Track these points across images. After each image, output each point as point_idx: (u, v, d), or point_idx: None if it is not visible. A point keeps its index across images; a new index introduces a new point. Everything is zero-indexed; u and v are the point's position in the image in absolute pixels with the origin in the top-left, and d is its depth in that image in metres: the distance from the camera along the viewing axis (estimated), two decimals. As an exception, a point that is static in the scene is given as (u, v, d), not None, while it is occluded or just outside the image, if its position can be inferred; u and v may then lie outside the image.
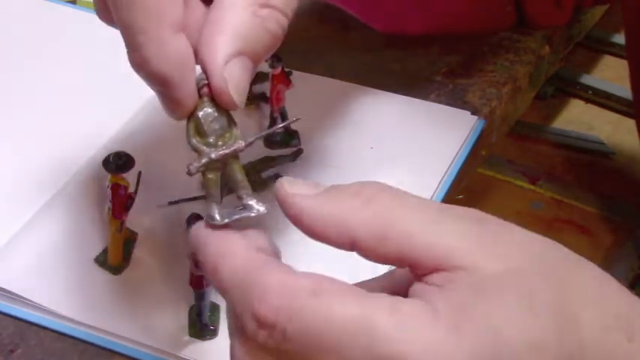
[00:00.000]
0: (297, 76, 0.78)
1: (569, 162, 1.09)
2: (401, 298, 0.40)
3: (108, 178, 0.63)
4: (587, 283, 0.42)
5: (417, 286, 0.41)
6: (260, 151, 0.74)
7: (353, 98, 0.79)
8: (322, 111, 0.78)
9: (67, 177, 0.71)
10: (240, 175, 0.47)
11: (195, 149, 0.46)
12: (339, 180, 0.71)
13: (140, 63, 0.46)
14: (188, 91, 0.47)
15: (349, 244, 0.43)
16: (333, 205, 0.43)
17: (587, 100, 1.16)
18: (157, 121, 0.75)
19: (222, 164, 0.46)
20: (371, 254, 0.42)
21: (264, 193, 0.70)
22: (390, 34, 0.85)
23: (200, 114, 0.46)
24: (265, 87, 0.77)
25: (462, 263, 0.40)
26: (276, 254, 0.46)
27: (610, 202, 1.04)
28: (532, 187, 1.05)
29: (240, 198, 0.47)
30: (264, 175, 0.71)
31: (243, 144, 0.47)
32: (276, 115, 0.74)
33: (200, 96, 0.46)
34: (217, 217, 0.46)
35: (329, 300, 0.40)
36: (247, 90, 0.48)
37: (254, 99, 0.78)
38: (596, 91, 1.15)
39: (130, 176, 0.63)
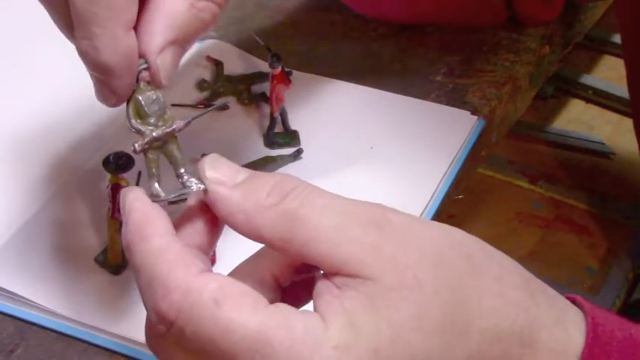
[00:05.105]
0: (297, 76, 0.78)
1: (569, 162, 1.09)
2: (298, 314, 0.42)
3: (108, 178, 0.63)
4: (484, 289, 0.44)
5: (321, 284, 0.44)
6: (260, 151, 0.74)
7: (353, 98, 0.79)
8: (322, 111, 0.78)
9: (66, 177, 0.71)
10: (178, 154, 0.49)
11: (137, 130, 0.48)
12: (339, 180, 0.72)
13: (88, 51, 0.49)
14: (128, 83, 0.50)
15: (257, 239, 0.45)
16: (244, 200, 0.44)
17: (587, 100, 1.15)
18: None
19: (162, 143, 0.48)
20: (277, 250, 0.45)
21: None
22: (372, 18, 0.85)
23: (140, 97, 0.48)
24: (265, 87, 0.77)
25: (358, 273, 0.42)
26: (201, 245, 0.47)
27: (610, 203, 1.03)
28: (532, 187, 1.05)
29: (179, 176, 0.49)
30: (264, 175, 0.71)
31: (182, 123, 0.49)
32: (276, 115, 0.74)
33: (138, 80, 0.48)
34: (161, 193, 0.48)
35: (229, 312, 0.42)
36: (176, 71, 0.51)
37: (254, 99, 0.78)
38: (596, 91, 1.15)
39: (130, 176, 0.63)
